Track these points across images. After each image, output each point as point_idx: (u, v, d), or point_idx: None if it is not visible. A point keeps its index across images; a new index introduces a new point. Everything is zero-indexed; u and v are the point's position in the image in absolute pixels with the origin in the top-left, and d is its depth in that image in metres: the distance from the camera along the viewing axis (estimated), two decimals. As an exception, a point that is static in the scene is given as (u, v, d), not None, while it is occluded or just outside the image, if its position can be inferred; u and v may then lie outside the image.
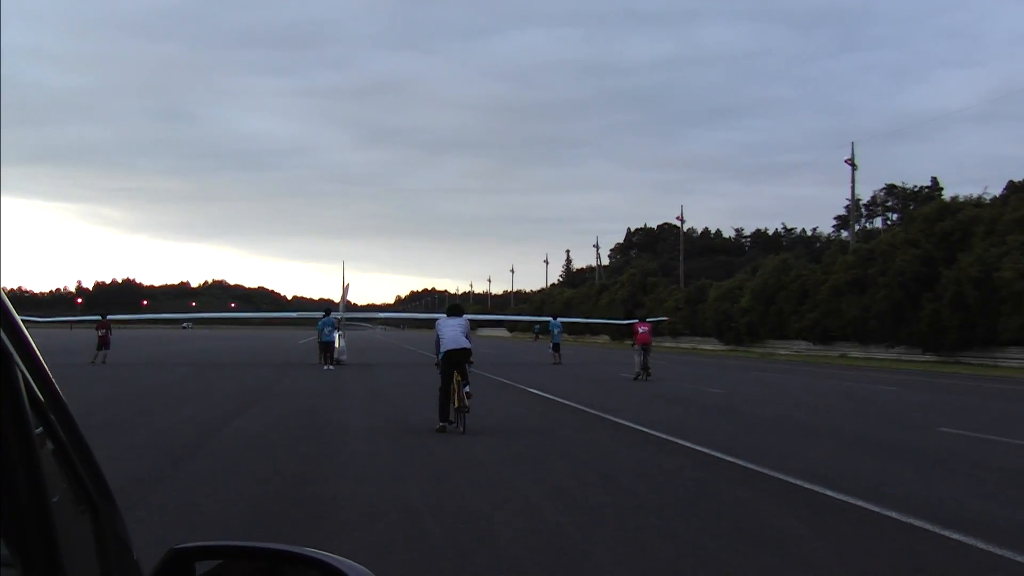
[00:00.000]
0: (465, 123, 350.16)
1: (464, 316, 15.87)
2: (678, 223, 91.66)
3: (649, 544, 7.23)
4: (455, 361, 14.81)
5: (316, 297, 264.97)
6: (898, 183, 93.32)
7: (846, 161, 63.43)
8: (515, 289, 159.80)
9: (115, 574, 1.44)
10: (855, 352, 54.52)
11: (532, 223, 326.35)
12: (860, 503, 8.86)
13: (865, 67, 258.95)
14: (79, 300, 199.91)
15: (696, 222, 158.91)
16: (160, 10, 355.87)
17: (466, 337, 15.06)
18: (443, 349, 14.92)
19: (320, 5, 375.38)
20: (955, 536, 7.49)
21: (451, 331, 15.02)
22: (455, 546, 7.10)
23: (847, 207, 76.10)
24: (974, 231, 46.99)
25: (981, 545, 7.20)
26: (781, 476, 10.49)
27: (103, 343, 36.39)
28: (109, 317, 39.50)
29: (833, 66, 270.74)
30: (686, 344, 75.82)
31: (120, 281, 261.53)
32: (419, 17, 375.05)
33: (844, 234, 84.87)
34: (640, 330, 30.07)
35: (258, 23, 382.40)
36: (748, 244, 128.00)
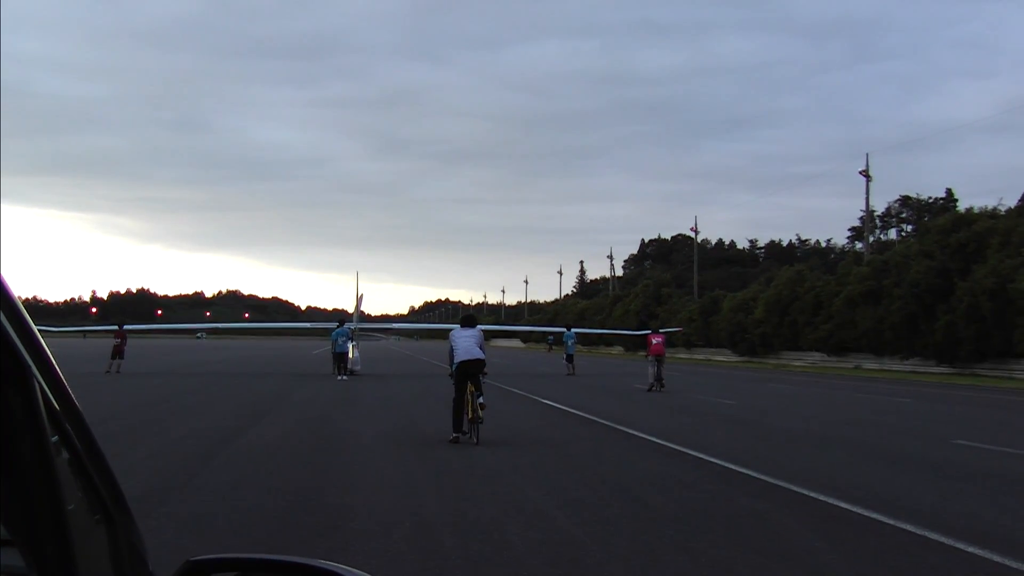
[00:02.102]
0: (479, 134, 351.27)
1: (478, 327, 15.82)
2: (692, 234, 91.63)
3: (663, 555, 7.21)
4: (469, 372, 14.80)
5: (330, 308, 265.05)
6: (912, 194, 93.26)
7: (860, 172, 63.22)
8: (529, 300, 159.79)
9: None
10: (869, 364, 54.27)
11: (546, 234, 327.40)
12: (875, 515, 8.81)
13: (879, 78, 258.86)
14: (94, 310, 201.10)
15: (710, 233, 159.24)
16: (176, 20, 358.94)
17: (480, 348, 15.04)
18: (457, 360, 14.91)
19: (335, 16, 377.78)
20: (971, 549, 7.44)
21: (465, 342, 15.01)
22: (469, 557, 7.09)
23: (861, 218, 76.05)
24: (989, 242, 46.71)
25: (997, 559, 7.15)
26: (795, 488, 10.44)
27: (117, 352, 36.45)
28: (126, 327, 39.49)
29: (847, 77, 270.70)
30: (700, 355, 75.61)
31: (135, 291, 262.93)
32: (434, 28, 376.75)
33: (858, 245, 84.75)
34: (654, 341, 30.01)
35: (274, 33, 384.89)
36: (762, 255, 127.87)
